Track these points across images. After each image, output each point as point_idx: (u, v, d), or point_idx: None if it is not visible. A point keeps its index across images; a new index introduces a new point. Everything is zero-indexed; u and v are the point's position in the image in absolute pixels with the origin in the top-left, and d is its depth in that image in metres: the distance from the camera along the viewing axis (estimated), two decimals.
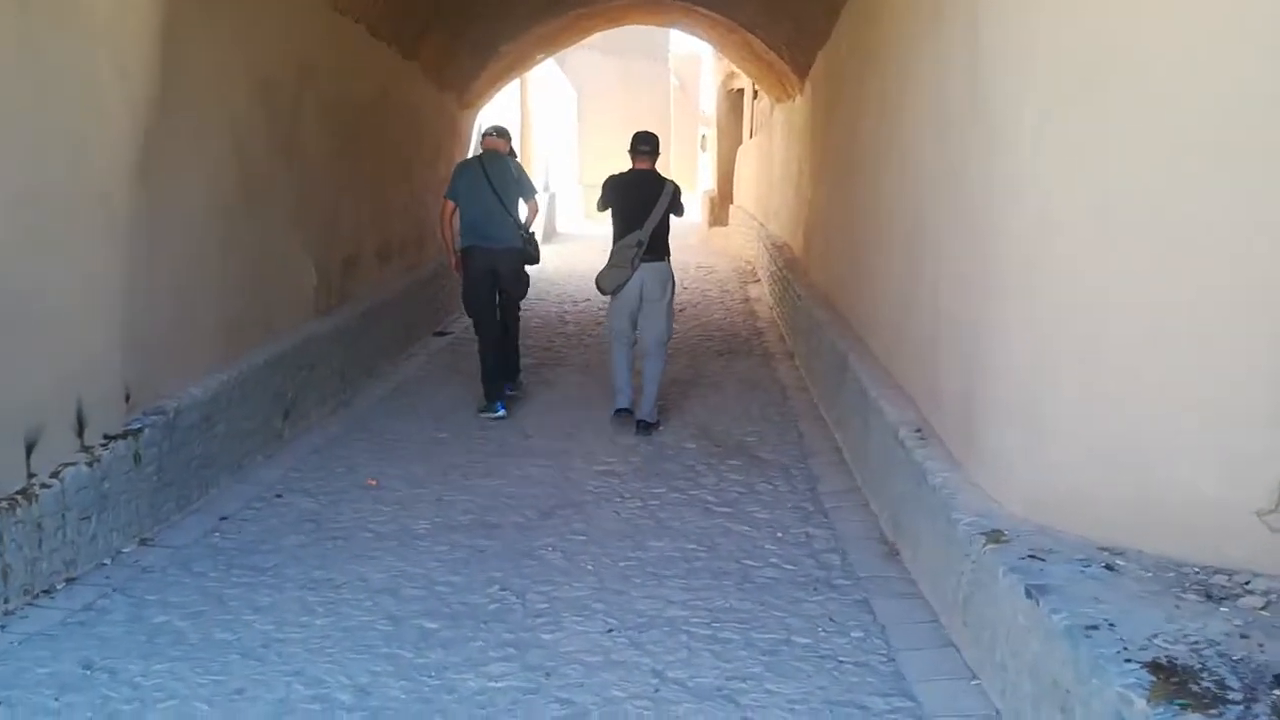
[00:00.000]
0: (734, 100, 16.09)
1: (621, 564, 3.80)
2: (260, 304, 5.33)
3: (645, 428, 5.58)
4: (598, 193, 5.93)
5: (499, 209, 5.94)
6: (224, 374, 4.75)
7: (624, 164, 5.85)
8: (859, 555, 3.86)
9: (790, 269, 8.42)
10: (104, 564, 3.71)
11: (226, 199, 4.89)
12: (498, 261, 5.96)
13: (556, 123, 20.09)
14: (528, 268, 6.28)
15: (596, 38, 23.02)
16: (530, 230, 6.20)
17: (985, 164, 3.22)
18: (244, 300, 5.11)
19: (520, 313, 6.62)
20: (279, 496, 4.59)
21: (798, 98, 9.83)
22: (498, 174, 5.99)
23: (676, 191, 5.67)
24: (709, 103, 20.80)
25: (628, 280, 5.53)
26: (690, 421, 5.88)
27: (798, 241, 8.94)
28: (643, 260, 5.51)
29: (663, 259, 5.62)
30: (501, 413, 5.92)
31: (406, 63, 7.89)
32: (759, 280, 11.45)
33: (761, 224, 12.04)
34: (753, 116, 14.00)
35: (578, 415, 6.04)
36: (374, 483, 4.82)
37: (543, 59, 11.54)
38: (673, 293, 5.74)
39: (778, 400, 6.39)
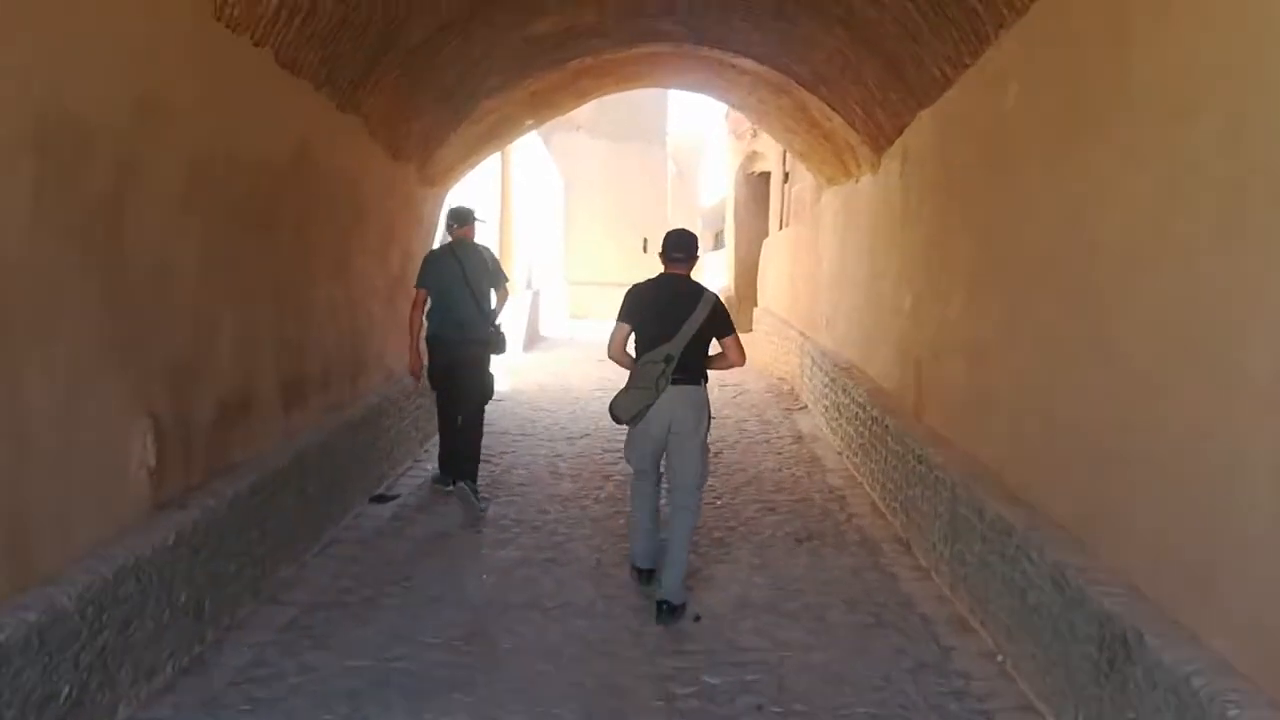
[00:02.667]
0: (757, 186, 13.78)
1: None
2: (4, 529, 2.78)
3: (670, 612, 4.16)
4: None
5: (471, 302, 5.86)
6: None
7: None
8: None
9: (882, 407, 5.98)
10: None
11: None
12: (464, 350, 5.89)
13: (540, 211, 17.74)
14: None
15: (586, 118, 20.99)
16: (498, 321, 6.11)
17: None
18: None
19: (485, 418, 6.20)
20: None
21: (864, 176, 7.57)
22: (472, 265, 5.88)
23: (718, 304, 4.44)
24: (711, 193, 18.66)
25: (650, 406, 4.30)
26: (798, 712, 3.33)
27: (886, 367, 6.54)
28: (671, 382, 4.29)
29: (697, 382, 4.44)
30: (451, 488, 5.83)
31: (343, 116, 5.52)
32: (806, 407, 8.99)
33: (803, 334, 9.65)
34: (785, 204, 11.71)
35: (584, 686, 3.49)
36: None
37: (532, 126, 9.22)
38: (708, 425, 4.52)
39: (931, 654, 3.82)
